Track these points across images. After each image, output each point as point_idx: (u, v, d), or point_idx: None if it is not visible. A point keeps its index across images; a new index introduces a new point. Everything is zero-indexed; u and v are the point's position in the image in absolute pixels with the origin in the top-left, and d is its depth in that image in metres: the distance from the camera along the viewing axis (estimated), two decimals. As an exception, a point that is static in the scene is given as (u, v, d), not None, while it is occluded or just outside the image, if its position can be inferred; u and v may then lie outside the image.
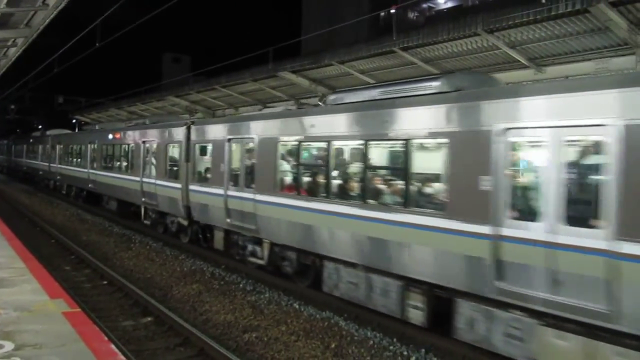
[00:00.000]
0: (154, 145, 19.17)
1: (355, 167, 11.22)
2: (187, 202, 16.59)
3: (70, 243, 17.88)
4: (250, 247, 14.10)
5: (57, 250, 17.38)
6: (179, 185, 16.98)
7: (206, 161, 16.36)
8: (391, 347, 9.29)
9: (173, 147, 18.09)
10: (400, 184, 9.89)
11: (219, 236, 15.40)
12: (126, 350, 7.78)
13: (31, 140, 43.39)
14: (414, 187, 9.57)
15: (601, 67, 12.01)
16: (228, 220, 14.31)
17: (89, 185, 26.74)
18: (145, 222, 20.59)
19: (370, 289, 10.29)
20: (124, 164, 22.39)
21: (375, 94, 10.71)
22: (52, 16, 11.86)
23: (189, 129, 16.83)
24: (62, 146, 32.81)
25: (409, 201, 9.40)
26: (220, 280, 13.71)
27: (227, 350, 8.77)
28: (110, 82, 61.14)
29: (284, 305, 11.58)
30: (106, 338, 5.82)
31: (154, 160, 19.34)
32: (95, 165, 25.90)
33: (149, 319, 10.72)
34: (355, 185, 10.94)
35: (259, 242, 13.66)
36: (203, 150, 16.63)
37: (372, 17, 42.48)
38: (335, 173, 11.43)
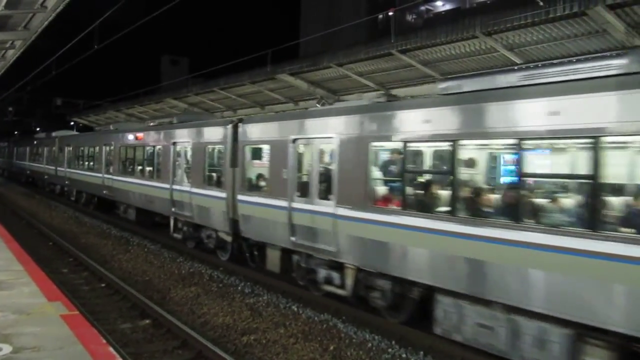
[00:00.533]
0: (188, 148, 16.70)
1: (502, 176, 9.26)
2: (233, 214, 14.23)
3: (68, 245, 17.86)
4: (323, 272, 11.59)
5: (55, 253, 17.35)
6: (222, 195, 14.61)
7: (260, 166, 14.08)
8: (390, 350, 9.29)
9: (214, 149, 15.76)
10: (581, 197, 7.46)
11: (274, 256, 13.08)
12: (124, 352, 7.75)
13: (35, 142, 40.72)
14: (608, 202, 7.14)
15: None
16: (292, 238, 11.89)
17: (104, 192, 24.28)
18: (175, 235, 17.94)
19: (514, 335, 7.97)
20: (148, 168, 20.10)
21: (513, 79, 8.41)
22: (50, 19, 11.87)
23: (235, 127, 14.33)
24: (71, 148, 30.27)
25: (601, 222, 6.90)
26: (218, 282, 13.71)
27: (226, 353, 8.77)
28: (108, 85, 61.11)
29: (283, 308, 11.58)
30: (104, 341, 5.81)
31: (187, 165, 16.89)
32: (111, 170, 23.36)
33: (147, 321, 10.70)
34: (502, 199, 8.61)
35: (337, 266, 11.17)
36: (256, 153, 14.29)
37: (371, 19, 42.54)
38: (464, 182, 9.00)
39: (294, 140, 12.05)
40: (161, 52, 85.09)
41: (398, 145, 9.81)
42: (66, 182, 30.93)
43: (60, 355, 5.40)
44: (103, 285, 13.51)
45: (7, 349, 5.48)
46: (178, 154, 17.42)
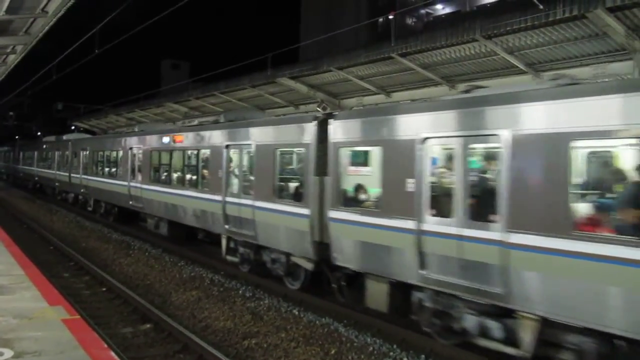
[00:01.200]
0: (249, 151, 13.70)
1: None
2: (320, 236, 11.32)
3: (69, 250, 17.85)
4: (472, 319, 8.61)
5: (56, 257, 17.35)
6: (303, 211, 11.60)
7: (364, 174, 11.50)
8: (391, 353, 9.26)
9: (288, 153, 13.36)
10: None
11: (379, 291, 10.28)
12: (125, 357, 7.75)
13: (44, 146, 37.45)
14: None
15: (599, 73, 12.06)
16: (422, 271, 9.00)
17: (130, 203, 21.20)
18: (230, 258, 14.89)
19: None
20: (190, 176, 17.10)
21: None
22: (51, 23, 11.90)
23: (323, 124, 11.28)
24: (87, 153, 27.14)
25: None
26: (219, 286, 13.69)
27: (227, 357, 8.76)
28: (109, 89, 61.34)
29: (284, 312, 11.56)
30: (105, 345, 5.81)
31: (247, 173, 13.95)
32: (141, 178, 20.31)
33: (148, 325, 10.69)
34: None
35: (500, 314, 8.23)
36: (357, 158, 11.74)
37: (371, 23, 42.61)
38: None
39: (425, 140, 9.06)
40: (162, 56, 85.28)
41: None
42: (82, 190, 27.95)
43: (62, 360, 5.40)
44: (104, 289, 13.51)
45: (8, 353, 5.48)
46: (230, 160, 14.54)
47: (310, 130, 11.50)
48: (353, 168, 11.54)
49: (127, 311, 11.72)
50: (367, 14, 51.36)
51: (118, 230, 22.38)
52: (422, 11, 55.07)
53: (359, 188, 11.12)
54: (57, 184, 33.08)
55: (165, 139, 18.52)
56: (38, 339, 5.94)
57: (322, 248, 11.24)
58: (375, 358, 9.09)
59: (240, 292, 13.15)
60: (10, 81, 28.18)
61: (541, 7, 11.06)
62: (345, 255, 10.69)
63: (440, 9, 54.27)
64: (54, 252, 18.10)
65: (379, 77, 16.67)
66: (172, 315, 11.19)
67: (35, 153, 39.87)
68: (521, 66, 13.21)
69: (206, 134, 15.96)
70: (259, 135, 13.32)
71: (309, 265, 11.91)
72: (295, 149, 12.90)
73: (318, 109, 17.89)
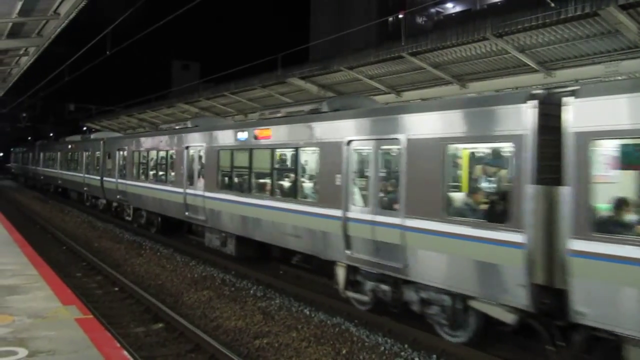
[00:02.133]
0: (395, 149, 10.11)
1: None
2: (546, 277, 7.62)
3: (81, 250, 17.99)
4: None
5: (69, 257, 17.48)
6: (512, 237, 7.85)
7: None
8: (402, 354, 9.25)
9: (469, 149, 9.26)
10: None
11: None
12: (138, 356, 7.79)
13: (69, 146, 33.64)
14: None
15: (611, 71, 11.97)
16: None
17: (186, 214, 17.65)
18: (353, 295, 11.24)
19: None
20: (284, 183, 13.42)
21: None
22: (63, 25, 12.01)
23: (547, 106, 7.65)
24: (125, 153, 23.32)
25: None
26: (230, 286, 13.73)
27: (238, 357, 8.78)
28: (120, 90, 61.60)
29: (295, 311, 11.58)
30: (118, 344, 5.84)
31: (389, 178, 10.44)
32: (203, 184, 16.59)
33: (160, 325, 10.75)
34: None
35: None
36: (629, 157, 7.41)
37: (381, 23, 42.56)
38: None
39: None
40: (172, 57, 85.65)
41: None
42: (118, 197, 24.16)
43: (75, 359, 5.43)
44: (116, 289, 13.59)
45: (22, 352, 5.53)
46: (355, 160, 10.98)
47: (522, 114, 7.76)
48: (618, 172, 7.37)
49: (139, 311, 11.78)
50: (377, 14, 51.31)
51: (130, 231, 22.50)
52: (432, 10, 54.90)
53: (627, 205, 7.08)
54: (85, 188, 29.39)
55: (242, 135, 14.76)
56: (52, 338, 5.99)
57: (545, 295, 7.68)
58: (386, 358, 9.07)
59: (251, 291, 13.19)
60: (23, 83, 28.49)
61: (553, 5, 10.99)
62: (612, 313, 6.86)
63: (451, 8, 54.06)
64: (67, 252, 18.24)
65: (389, 76, 16.65)
66: (183, 314, 11.24)
67: (59, 154, 36.25)
68: (532, 64, 13.14)
69: (311, 127, 12.08)
70: (412, 124, 9.61)
71: (509, 317, 8.25)
72: (482, 144, 8.99)
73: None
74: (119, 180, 23.57)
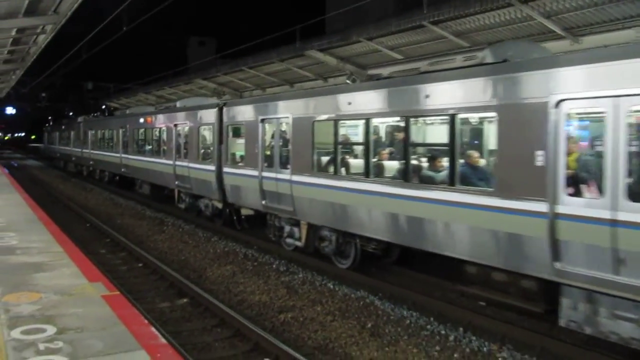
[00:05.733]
0: None
1: None
2: None
3: (104, 227, 18.14)
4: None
5: (93, 234, 17.63)
6: None
7: None
8: (428, 327, 9.18)
9: None
10: None
11: None
12: (166, 332, 7.80)
13: (142, 121, 23.93)
14: None
15: (643, 35, 11.53)
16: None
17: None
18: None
19: None
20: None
21: None
22: (79, 1, 11.86)
23: None
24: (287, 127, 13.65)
25: None
26: (253, 261, 13.74)
27: (264, 331, 8.78)
28: (137, 68, 61.57)
29: (318, 286, 11.55)
30: (146, 321, 5.83)
31: None
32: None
33: (185, 300, 10.80)
34: None
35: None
36: None
37: (398, -7, 41.69)
38: None
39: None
40: (188, 33, 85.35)
41: None
42: (266, 202, 14.14)
43: (104, 336, 5.41)
44: (140, 265, 13.69)
45: (51, 329, 5.51)
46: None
47: None
48: None
49: (163, 286, 11.84)
50: (394, -16, 50.34)
51: (152, 207, 22.64)
52: (451, -22, 53.66)
53: None
54: (177, 182, 19.73)
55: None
56: (79, 315, 5.97)
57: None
58: (412, 331, 9.01)
59: (274, 266, 13.18)
60: (41, 62, 28.55)
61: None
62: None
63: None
64: (90, 230, 18.40)
65: (410, 46, 16.30)
66: (207, 290, 11.28)
67: (121, 132, 26.92)
68: (559, 31, 12.72)
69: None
70: None
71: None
72: None
73: (347, 81, 17.65)
74: (276, 174, 13.52)
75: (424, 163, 10.53)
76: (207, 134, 17.91)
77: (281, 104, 13.67)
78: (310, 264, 13.03)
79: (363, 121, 11.00)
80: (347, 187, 11.24)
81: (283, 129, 13.72)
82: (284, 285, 11.54)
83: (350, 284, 11.49)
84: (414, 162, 10.30)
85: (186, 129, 19.04)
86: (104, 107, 46.08)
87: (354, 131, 12.35)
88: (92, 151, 32.70)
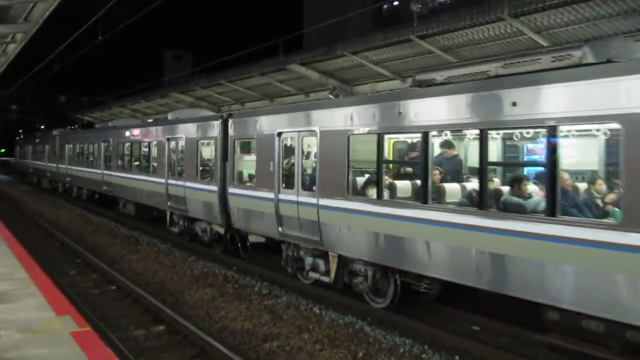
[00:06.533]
0: None
1: None
2: None
3: (75, 246, 17.26)
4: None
5: (62, 254, 16.80)
6: None
7: None
8: (424, 355, 8.63)
9: None
10: None
11: None
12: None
13: (139, 133, 20.81)
14: None
15: (635, 51, 11.30)
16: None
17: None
18: None
19: None
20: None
21: None
22: (52, 8, 11.20)
23: None
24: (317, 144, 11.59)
25: None
26: (233, 283, 13.07)
27: (247, 362, 8.14)
28: (111, 82, 60.54)
29: (304, 310, 10.93)
30: (122, 364, 5.11)
31: None
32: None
33: (162, 327, 10.09)
34: None
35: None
36: None
37: (375, 10, 41.92)
38: None
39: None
40: (164, 47, 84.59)
41: None
42: (285, 230, 12.22)
43: (72, 384, 4.70)
44: (113, 288, 12.91)
45: None
46: None
47: None
48: None
49: (138, 311, 11.12)
50: (372, 1, 50.56)
51: (125, 224, 21.78)
52: (428, -4, 54.45)
53: None
54: (170, 203, 17.68)
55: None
56: (43, 358, 5.25)
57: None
58: (407, 361, 8.44)
59: (255, 289, 12.53)
60: (11, 74, 27.59)
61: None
62: None
63: (446, -6, 53.64)
64: (60, 249, 17.53)
65: (395, 61, 15.98)
66: (186, 315, 10.57)
67: (103, 146, 24.52)
68: (548, 46, 12.46)
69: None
70: None
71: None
72: None
73: (330, 96, 17.20)
74: (297, 197, 11.62)
75: (504, 187, 8.89)
76: (208, 149, 15.85)
77: (305, 115, 11.75)
78: (294, 287, 12.41)
79: (419, 135, 9.20)
80: (396, 214, 9.37)
81: (307, 144, 11.78)
82: (267, 310, 10.89)
83: (337, 308, 10.90)
84: (492, 185, 8.68)
85: (181, 143, 16.87)
86: (76, 120, 44.94)
87: (406, 147, 10.84)
88: (69, 166, 30.17)
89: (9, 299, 7.37)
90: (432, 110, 8.94)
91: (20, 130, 65.42)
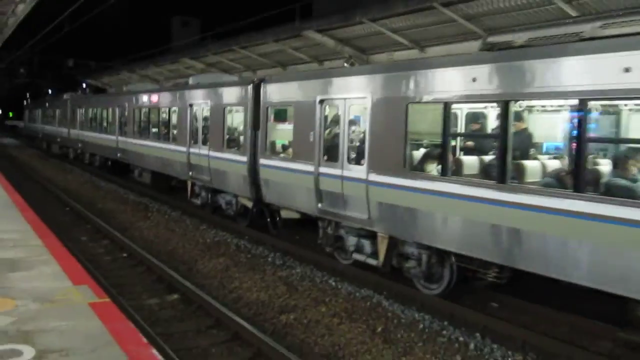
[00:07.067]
0: None
1: None
2: None
3: (85, 211, 17.11)
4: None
5: (73, 219, 16.65)
6: None
7: None
8: (444, 332, 8.44)
9: None
10: None
11: None
12: (173, 354, 6.82)
13: (158, 98, 19.90)
14: None
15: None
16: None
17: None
18: None
19: None
20: None
21: None
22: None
23: None
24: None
25: None
26: (246, 253, 12.90)
27: (264, 335, 7.96)
28: (119, 48, 59.66)
29: (319, 282, 10.75)
30: (145, 340, 4.77)
31: None
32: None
33: (175, 296, 9.94)
34: None
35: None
36: None
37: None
38: None
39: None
40: (172, 13, 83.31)
41: None
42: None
43: (93, 361, 4.44)
44: (125, 255, 12.76)
45: (28, 352, 4.43)
46: None
47: None
48: None
49: (151, 280, 11.00)
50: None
51: (135, 191, 21.60)
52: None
53: None
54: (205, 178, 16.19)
55: None
56: (63, 331, 4.93)
57: None
58: (427, 337, 8.26)
59: (269, 259, 12.37)
60: (20, 36, 27.12)
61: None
62: None
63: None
64: (70, 214, 17.38)
65: (415, 29, 15.45)
66: (199, 284, 10.43)
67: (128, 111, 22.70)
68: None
69: None
70: None
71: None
72: None
73: (345, 64, 16.75)
74: (342, 171, 10.74)
75: (607, 167, 7.82)
76: (237, 116, 15.06)
77: (354, 81, 10.61)
78: (308, 258, 12.21)
79: (497, 105, 8.11)
80: (466, 194, 8.27)
81: (355, 113, 10.88)
82: (282, 281, 10.72)
83: (352, 281, 10.71)
84: (591, 165, 7.59)
85: (206, 110, 15.76)
86: (84, 84, 44.49)
87: (481, 118, 9.75)
88: (80, 132, 29.12)
89: (23, 266, 7.09)
90: (515, 77, 7.71)
91: (28, 95, 65.03)
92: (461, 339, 8.19)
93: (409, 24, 15.12)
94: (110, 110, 24.87)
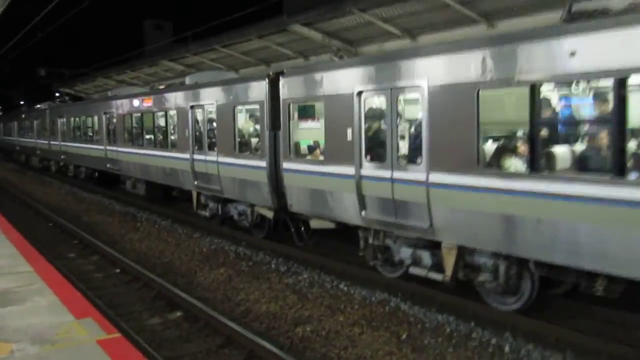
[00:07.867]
0: None
1: None
2: None
3: (70, 226, 16.24)
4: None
5: (57, 235, 15.79)
6: None
7: None
8: (473, 335, 7.89)
9: None
10: None
11: None
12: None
13: (151, 101, 18.57)
14: None
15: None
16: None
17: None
18: None
19: None
20: None
21: None
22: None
23: None
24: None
25: None
26: (247, 260, 12.26)
27: (281, 351, 7.32)
28: (90, 53, 58.20)
29: (330, 288, 10.17)
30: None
31: None
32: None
33: (179, 313, 9.23)
34: None
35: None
36: None
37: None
38: None
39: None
40: (143, 17, 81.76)
41: None
42: None
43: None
44: (118, 270, 11.99)
45: None
46: None
47: None
48: None
49: (149, 297, 10.25)
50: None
51: (120, 201, 20.75)
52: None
53: None
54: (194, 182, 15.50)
55: None
56: (73, 379, 4.19)
57: None
58: (456, 342, 7.71)
59: (272, 266, 11.76)
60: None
61: None
62: None
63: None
64: (54, 230, 16.49)
65: (406, 18, 14.81)
66: (202, 298, 9.75)
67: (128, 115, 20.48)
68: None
69: None
70: None
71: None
72: None
73: (335, 58, 16.11)
74: (391, 172, 9.38)
75: None
76: (250, 116, 13.95)
77: (403, 66, 8.98)
78: (313, 261, 11.59)
79: (611, 83, 6.43)
80: (566, 193, 6.83)
81: (404, 105, 9.54)
82: (291, 290, 10.11)
83: (364, 284, 10.12)
84: None
85: (211, 111, 14.39)
86: (58, 94, 43.17)
87: (583, 101, 7.85)
88: (63, 143, 27.26)
89: (14, 299, 6.17)
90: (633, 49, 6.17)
91: (0, 107, 63.14)
92: (493, 341, 7.65)
93: (399, 12, 14.49)
94: (96, 117, 23.11)
